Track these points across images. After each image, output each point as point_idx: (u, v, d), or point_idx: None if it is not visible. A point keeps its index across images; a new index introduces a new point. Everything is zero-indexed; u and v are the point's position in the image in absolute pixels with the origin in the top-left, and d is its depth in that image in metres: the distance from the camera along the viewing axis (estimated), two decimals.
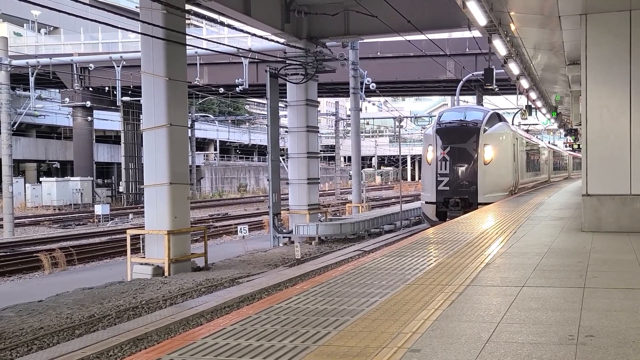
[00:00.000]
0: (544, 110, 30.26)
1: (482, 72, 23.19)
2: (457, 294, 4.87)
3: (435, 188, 18.57)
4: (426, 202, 19.24)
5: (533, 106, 28.42)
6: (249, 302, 10.62)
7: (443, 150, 18.58)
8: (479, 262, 6.39)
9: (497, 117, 20.12)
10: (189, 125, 39.15)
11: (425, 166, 19.46)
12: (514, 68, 16.08)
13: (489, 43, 13.63)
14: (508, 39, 13.48)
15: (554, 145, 47.20)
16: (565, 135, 51.13)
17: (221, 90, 37.19)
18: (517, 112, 33.63)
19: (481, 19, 11.17)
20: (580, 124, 9.98)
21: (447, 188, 18.44)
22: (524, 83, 19.21)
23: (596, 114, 9.18)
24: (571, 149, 50.04)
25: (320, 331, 3.86)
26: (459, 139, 18.63)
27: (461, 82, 30.74)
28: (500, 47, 13.46)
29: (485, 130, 18.65)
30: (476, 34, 17.70)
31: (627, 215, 9.04)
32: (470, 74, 30.39)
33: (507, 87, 30.51)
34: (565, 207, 13.89)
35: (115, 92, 37.61)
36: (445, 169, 18.48)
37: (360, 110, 28.70)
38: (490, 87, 24.07)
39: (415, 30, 18.34)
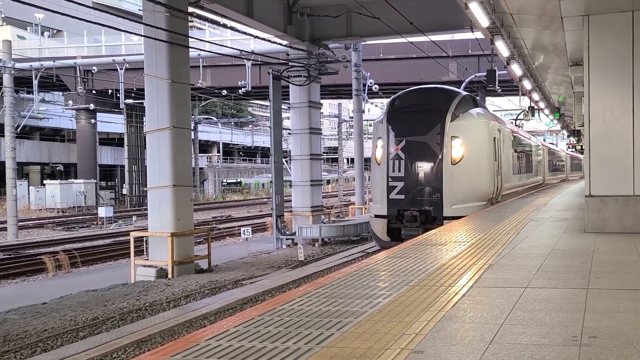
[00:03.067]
0: (546, 112, 30.22)
1: (484, 74, 23.16)
2: (460, 296, 4.87)
3: (386, 197, 14.22)
4: (375, 216, 14.70)
5: (536, 107, 28.37)
6: (253, 304, 10.63)
7: (396, 145, 14.25)
8: (482, 263, 6.39)
9: (471, 101, 15.57)
10: (192, 128, 39.22)
11: (374, 167, 14.97)
12: (516, 69, 16.06)
13: (492, 44, 13.63)
14: (510, 40, 13.47)
15: (551, 144, 44.49)
16: (568, 136, 51.04)
17: (224, 92, 37.25)
18: (519, 114, 33.42)
19: (483, 20, 11.17)
20: (583, 125, 9.99)
21: (402, 197, 14.08)
22: (527, 84, 19.18)
23: (599, 115, 9.17)
24: (573, 149, 49.81)
25: (323, 333, 3.86)
26: (417, 130, 14.17)
27: (464, 83, 30.69)
28: (502, 48, 13.46)
29: (454, 118, 14.17)
30: (478, 35, 17.70)
31: (631, 216, 9.02)
32: (473, 76, 30.37)
33: (510, 88, 30.49)
34: (568, 209, 13.88)
35: (118, 95, 37.72)
36: (399, 171, 14.10)
37: (363, 111, 28.69)
38: (493, 89, 24.05)
39: (417, 31, 18.34)
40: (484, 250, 7.36)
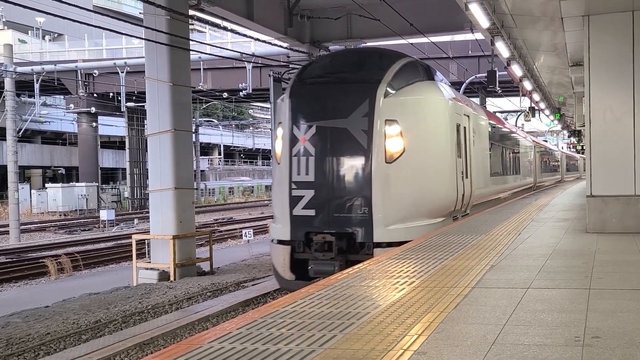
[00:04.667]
0: (547, 112, 30.24)
1: (485, 74, 23.19)
2: (462, 297, 4.87)
3: (289, 212, 9.63)
4: (277, 242, 9.98)
5: (536, 108, 28.40)
6: (255, 306, 10.64)
7: (303, 134, 9.72)
8: (484, 264, 6.39)
9: (421, 71, 10.78)
10: (193, 130, 39.27)
11: (274, 168, 10.48)
12: (517, 70, 16.08)
13: (492, 45, 13.65)
14: (511, 41, 13.49)
15: (544, 141, 41.01)
16: (569, 137, 51.03)
17: (225, 94, 37.30)
18: (520, 114, 33.35)
19: (484, 21, 11.19)
20: (584, 125, 9.99)
21: (311, 212, 9.54)
22: (527, 85, 19.20)
23: (600, 115, 9.17)
24: (574, 149, 49.55)
25: (326, 334, 3.87)
26: (334, 111, 9.66)
27: (464, 84, 30.73)
28: (503, 49, 13.48)
29: (389, 92, 9.68)
30: (479, 36, 17.72)
31: (632, 215, 9.02)
32: (473, 76, 30.40)
33: (510, 89, 30.51)
34: (569, 209, 13.87)
35: (119, 98, 37.78)
36: (307, 174, 9.57)
37: None
38: (494, 90, 24.06)
39: (417, 33, 18.35)
40: (485, 251, 7.36)
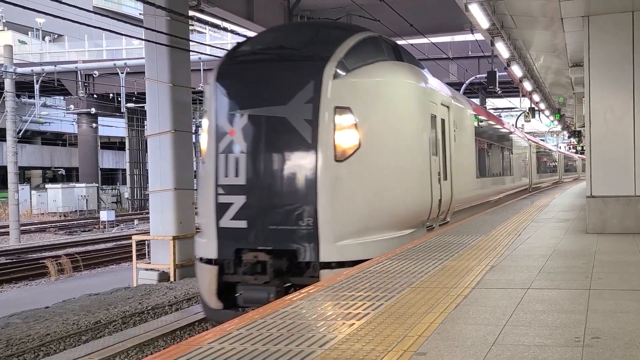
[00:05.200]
0: (547, 113, 30.25)
1: (485, 75, 23.20)
2: (462, 297, 4.87)
3: (215, 224, 7.80)
4: (201, 261, 8.08)
5: (536, 108, 28.41)
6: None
7: (232, 124, 7.85)
8: (484, 264, 6.39)
9: (383, 48, 8.85)
10: (194, 131, 39.23)
11: (200, 167, 8.45)
12: (516, 71, 16.08)
13: (492, 46, 13.66)
14: (511, 41, 13.49)
15: (541, 140, 39.17)
16: (569, 137, 51.03)
17: None
18: (520, 115, 33.33)
19: (484, 22, 11.19)
20: (584, 126, 10.00)
21: (242, 224, 7.70)
22: (527, 85, 19.20)
23: (600, 116, 9.18)
24: (574, 149, 49.44)
25: (326, 335, 3.87)
26: (270, 95, 7.81)
27: (464, 85, 30.75)
28: (503, 49, 13.49)
29: (340, 73, 7.78)
30: (479, 37, 17.73)
31: (632, 216, 9.03)
32: (473, 77, 30.41)
33: (510, 89, 30.51)
34: (569, 209, 13.87)
35: (119, 99, 37.79)
36: (237, 175, 7.76)
37: None
38: (494, 90, 24.06)
39: (417, 33, 18.36)
40: (485, 251, 7.36)
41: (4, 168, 31.30)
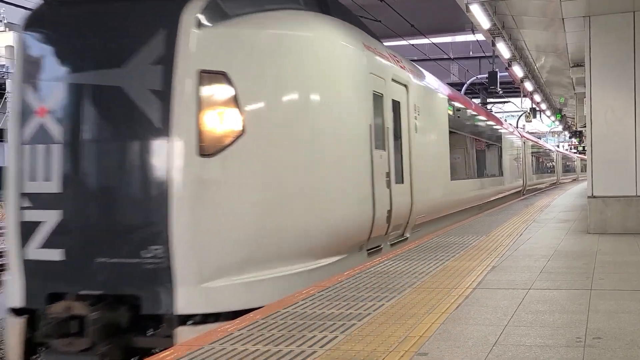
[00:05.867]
0: (548, 113, 30.25)
1: (486, 75, 23.20)
2: (463, 297, 4.87)
3: (19, 253, 5.16)
4: (9, 310, 5.22)
5: (537, 109, 28.41)
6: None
7: (40, 97, 5.21)
8: (485, 265, 6.39)
9: None
10: None
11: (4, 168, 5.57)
12: (517, 71, 16.08)
13: (493, 46, 13.65)
14: (512, 42, 13.49)
15: (538, 138, 36.42)
16: (570, 138, 51.04)
17: None
18: (521, 115, 33.32)
19: (485, 22, 11.19)
20: (585, 126, 10.00)
21: (57, 255, 5.05)
22: (528, 86, 19.20)
23: (601, 116, 9.18)
24: (575, 149, 49.29)
25: (327, 335, 3.87)
26: (98, 56, 5.12)
27: (465, 85, 30.76)
28: (504, 50, 13.48)
29: (210, 18, 5.20)
30: (480, 37, 17.73)
31: (633, 216, 9.03)
32: (475, 77, 30.43)
33: (512, 90, 30.53)
34: (570, 210, 13.86)
35: None
36: (48, 177, 5.11)
37: None
38: (495, 90, 24.08)
39: (419, 34, 18.39)
40: (487, 252, 7.36)
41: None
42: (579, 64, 13.97)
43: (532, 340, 3.67)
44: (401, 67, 8.59)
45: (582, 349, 3.48)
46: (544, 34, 12.78)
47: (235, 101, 5.21)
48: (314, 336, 3.86)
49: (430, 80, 10.74)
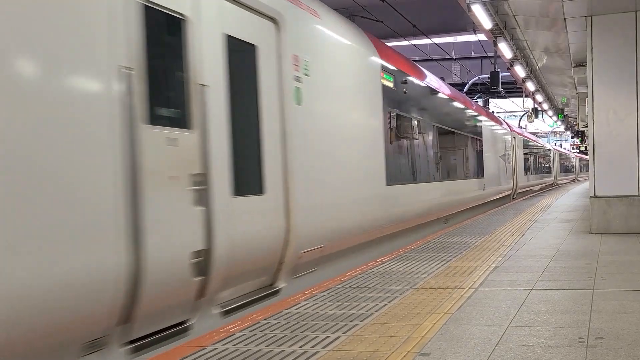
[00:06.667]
0: (550, 113, 30.23)
1: (488, 76, 23.19)
2: (465, 298, 4.87)
3: None
4: None
5: (539, 109, 28.39)
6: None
7: None
8: (487, 265, 6.39)
9: None
10: None
11: None
12: (519, 71, 16.07)
13: (495, 46, 13.65)
14: (513, 42, 13.49)
15: (532, 133, 33.00)
16: (572, 138, 50.97)
17: None
18: (523, 115, 33.25)
19: (486, 23, 11.19)
20: (587, 126, 9.99)
21: None
22: (530, 86, 19.19)
23: (603, 116, 9.18)
24: (577, 149, 49.20)
25: (329, 336, 3.87)
26: None
27: (467, 85, 30.74)
28: (505, 50, 13.48)
29: None
30: (481, 37, 17.73)
31: (636, 216, 9.02)
32: (476, 77, 30.41)
33: (514, 90, 30.51)
34: (572, 209, 13.85)
35: None
36: None
37: None
38: (497, 90, 24.07)
39: (420, 34, 18.38)
40: (489, 252, 7.36)
41: None
42: (580, 64, 13.96)
43: (534, 341, 3.67)
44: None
45: (585, 349, 3.48)
46: (545, 34, 12.77)
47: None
48: (317, 337, 3.87)
49: (351, 28, 7.06)
